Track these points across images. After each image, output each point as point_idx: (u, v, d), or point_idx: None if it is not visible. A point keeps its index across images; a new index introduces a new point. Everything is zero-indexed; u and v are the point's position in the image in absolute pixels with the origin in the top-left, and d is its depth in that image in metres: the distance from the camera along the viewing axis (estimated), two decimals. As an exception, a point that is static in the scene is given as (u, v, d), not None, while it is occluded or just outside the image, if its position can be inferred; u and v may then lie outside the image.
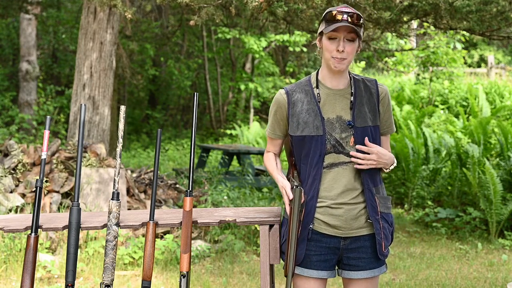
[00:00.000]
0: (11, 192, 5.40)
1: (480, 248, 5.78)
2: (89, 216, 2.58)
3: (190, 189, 2.36)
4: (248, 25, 14.37)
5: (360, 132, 2.34)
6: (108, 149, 7.81)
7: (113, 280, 2.30)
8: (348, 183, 2.33)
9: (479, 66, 19.20)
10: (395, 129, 2.54)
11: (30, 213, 4.79)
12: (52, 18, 15.26)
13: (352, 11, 2.28)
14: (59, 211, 5.31)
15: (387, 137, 2.49)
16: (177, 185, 6.75)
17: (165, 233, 5.53)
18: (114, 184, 2.33)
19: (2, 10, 10.30)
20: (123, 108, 2.34)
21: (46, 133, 2.35)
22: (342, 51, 2.28)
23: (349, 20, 2.25)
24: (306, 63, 18.16)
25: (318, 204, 2.33)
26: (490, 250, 5.81)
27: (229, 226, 5.80)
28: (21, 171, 5.60)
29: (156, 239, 4.88)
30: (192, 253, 4.45)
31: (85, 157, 5.95)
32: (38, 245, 4.02)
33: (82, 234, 5.05)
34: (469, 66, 18.57)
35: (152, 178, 6.13)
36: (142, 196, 6.23)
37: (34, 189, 2.60)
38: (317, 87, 2.39)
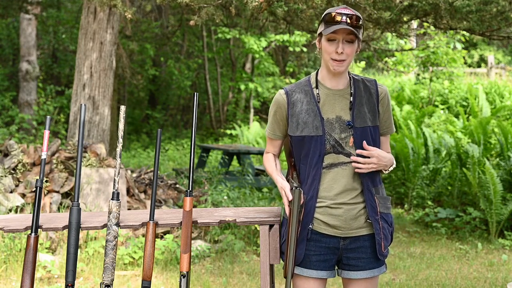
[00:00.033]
0: (11, 192, 5.40)
1: (480, 248, 5.78)
2: (89, 216, 2.58)
3: (190, 189, 2.36)
4: (248, 25, 14.37)
5: (360, 132, 2.34)
6: (108, 149, 7.81)
7: (113, 280, 2.31)
8: (348, 183, 2.33)
9: (479, 66, 19.20)
10: (394, 130, 2.54)
11: (30, 213, 4.79)
12: (52, 18, 15.26)
13: (351, 13, 2.27)
14: (59, 211, 5.31)
15: (386, 138, 2.49)
16: (177, 185, 6.75)
17: (165, 233, 5.53)
18: (114, 184, 2.33)
19: (2, 10, 10.30)
20: (123, 108, 2.34)
21: (46, 133, 2.35)
22: (341, 53, 2.28)
23: (348, 21, 2.25)
24: (306, 63, 18.17)
25: (317, 204, 2.34)
26: (490, 250, 5.81)
27: (229, 226, 5.80)
28: (21, 171, 5.60)
29: (156, 239, 4.88)
30: (192, 253, 4.45)
31: (85, 157, 5.96)
32: (38, 245, 4.02)
33: (82, 234, 5.05)
34: (469, 66, 18.57)
35: (152, 178, 6.13)
36: (142, 196, 6.23)
37: (34, 189, 2.61)
38: (316, 87, 2.39)
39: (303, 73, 17.49)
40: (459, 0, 4.77)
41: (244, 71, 16.02)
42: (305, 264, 2.36)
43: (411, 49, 11.69)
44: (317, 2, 4.61)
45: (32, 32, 12.88)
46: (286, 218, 2.38)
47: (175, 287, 4.51)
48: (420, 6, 4.86)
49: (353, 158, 2.31)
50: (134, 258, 5.00)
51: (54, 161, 5.76)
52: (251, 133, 13.77)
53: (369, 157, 2.31)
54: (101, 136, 7.72)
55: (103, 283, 2.29)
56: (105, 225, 2.41)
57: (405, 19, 5.33)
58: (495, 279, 4.77)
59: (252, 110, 16.11)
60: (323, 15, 2.34)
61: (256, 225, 4.97)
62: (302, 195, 2.26)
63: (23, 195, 5.40)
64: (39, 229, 2.35)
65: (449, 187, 7.42)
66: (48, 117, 2.35)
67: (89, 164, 5.89)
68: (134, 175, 6.56)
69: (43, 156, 2.34)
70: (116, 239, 2.33)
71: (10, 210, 5.15)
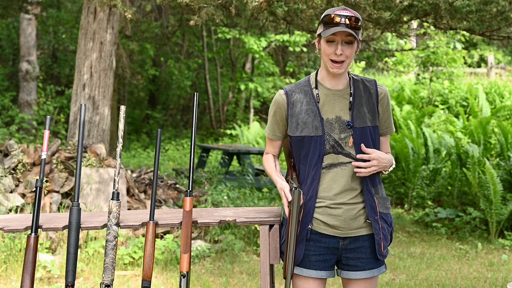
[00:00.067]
0: (11, 192, 5.40)
1: (480, 248, 5.78)
2: (89, 216, 2.58)
3: (190, 189, 2.36)
4: (248, 25, 14.37)
5: (359, 132, 2.34)
6: (108, 149, 7.81)
7: (113, 280, 2.31)
8: (347, 183, 2.33)
9: (479, 66, 19.20)
10: (394, 130, 2.54)
11: (30, 213, 4.80)
12: (52, 18, 15.26)
13: (350, 14, 2.27)
14: (59, 211, 5.31)
15: (386, 138, 2.49)
16: (177, 185, 6.75)
17: (165, 233, 5.53)
18: (114, 184, 2.33)
19: (2, 10, 10.30)
20: (123, 108, 2.34)
21: (46, 133, 2.35)
22: (340, 54, 2.28)
23: (347, 23, 2.25)
24: (306, 63, 18.17)
25: (317, 204, 2.34)
26: (490, 250, 5.81)
27: (229, 226, 5.80)
28: (21, 171, 5.60)
29: (156, 239, 4.88)
30: (192, 253, 4.45)
31: (85, 157, 5.96)
32: (38, 245, 4.03)
33: (82, 234, 5.05)
34: (469, 66, 18.57)
35: (152, 178, 6.13)
36: (142, 196, 6.23)
37: (34, 189, 2.61)
38: (316, 87, 2.39)
39: (303, 73, 17.49)
40: (459, 0, 4.77)
41: (244, 71, 16.02)
42: (304, 264, 2.36)
43: (411, 49, 11.70)
44: (317, 2, 4.61)
45: (32, 32, 12.89)
46: (286, 218, 2.38)
47: (175, 287, 4.51)
48: (420, 6, 4.86)
49: (354, 163, 2.30)
50: (134, 258, 5.00)
51: (54, 161, 5.76)
52: (251, 133, 13.77)
53: (369, 160, 2.31)
54: (101, 136, 7.72)
55: (103, 283, 2.29)
56: (105, 225, 2.41)
57: (405, 19, 5.33)
58: (495, 279, 4.77)
59: (252, 110, 16.11)
60: (322, 16, 2.34)
61: (256, 225, 4.97)
62: (301, 195, 2.27)
63: (23, 195, 5.40)
64: (39, 229, 2.35)
65: (449, 187, 7.42)
66: (48, 117, 2.35)
67: (89, 164, 5.89)
68: (134, 175, 6.56)
69: (43, 156, 2.34)
70: (116, 239, 2.33)
71: (10, 210, 5.15)
